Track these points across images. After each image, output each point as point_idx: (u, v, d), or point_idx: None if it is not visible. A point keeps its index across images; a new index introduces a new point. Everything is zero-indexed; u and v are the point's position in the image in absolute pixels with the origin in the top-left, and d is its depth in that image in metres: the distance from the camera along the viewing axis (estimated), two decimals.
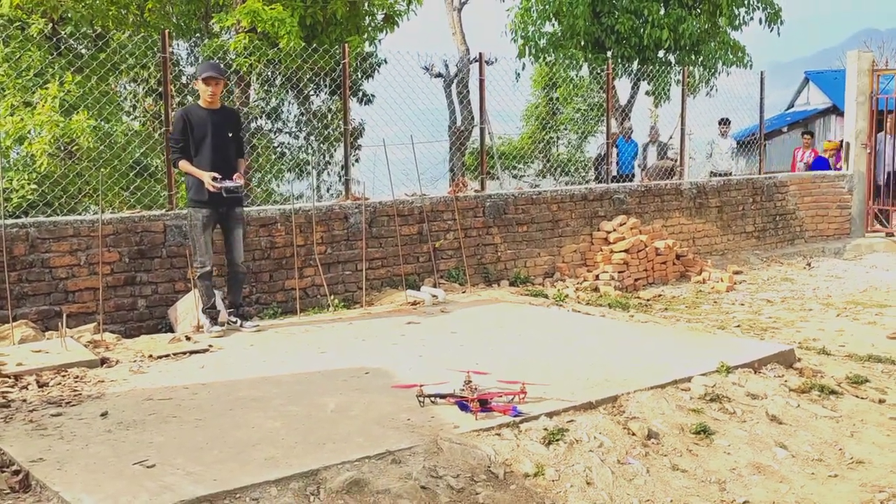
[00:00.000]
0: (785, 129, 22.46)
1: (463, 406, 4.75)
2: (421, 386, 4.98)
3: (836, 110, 21.55)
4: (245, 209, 7.39)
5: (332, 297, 8.17)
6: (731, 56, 15.89)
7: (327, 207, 8.54)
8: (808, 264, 11.81)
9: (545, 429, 4.52)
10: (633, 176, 13.28)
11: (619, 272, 9.98)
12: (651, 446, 4.57)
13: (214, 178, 6.68)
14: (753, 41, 17.57)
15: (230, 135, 6.97)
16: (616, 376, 5.42)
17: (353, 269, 8.58)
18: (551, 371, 5.58)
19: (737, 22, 15.95)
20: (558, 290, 9.33)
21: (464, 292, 8.80)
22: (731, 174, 13.71)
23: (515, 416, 4.65)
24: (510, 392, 4.92)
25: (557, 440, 4.43)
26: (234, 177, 6.87)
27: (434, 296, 8.12)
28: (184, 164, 6.82)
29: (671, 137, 13.87)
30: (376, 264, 8.78)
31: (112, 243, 7.27)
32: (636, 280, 10.12)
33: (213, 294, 6.96)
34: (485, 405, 4.73)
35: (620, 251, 10.11)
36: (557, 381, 5.30)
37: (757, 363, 5.79)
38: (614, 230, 10.40)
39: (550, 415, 4.70)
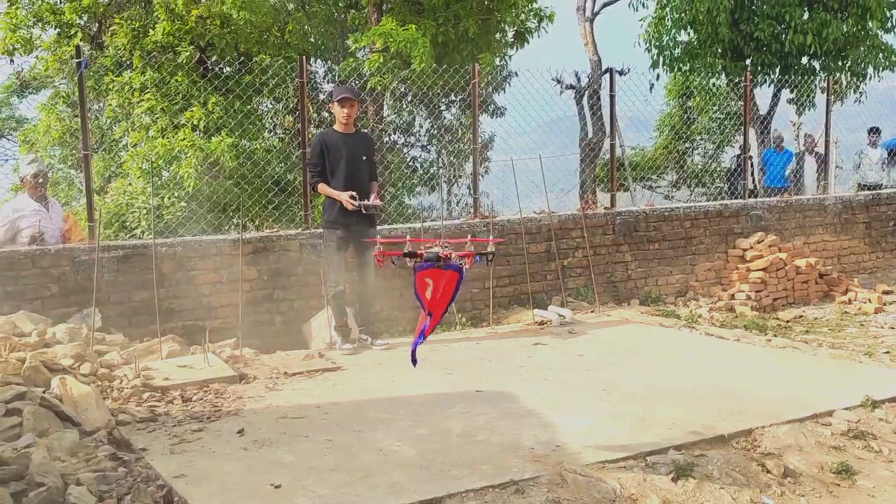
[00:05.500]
0: None
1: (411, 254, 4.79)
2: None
3: None
4: (376, 229, 7.57)
5: (460, 315, 8.24)
6: (882, 60, 14.99)
7: (455, 226, 8.62)
8: None
9: (674, 462, 4.40)
10: (788, 189, 12.72)
11: (757, 291, 9.58)
12: (787, 485, 4.37)
13: (353, 197, 6.89)
14: None
15: (364, 158, 7.18)
16: (750, 408, 5.22)
17: (481, 287, 8.63)
18: (682, 400, 5.42)
19: (889, 24, 15.04)
20: (691, 310, 9.06)
21: (592, 311, 8.69)
22: (881, 186, 12.93)
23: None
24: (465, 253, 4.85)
25: (687, 475, 4.30)
26: (372, 197, 7.07)
27: (561, 315, 8.06)
28: (322, 187, 7.07)
29: (816, 145, 13.24)
30: (504, 282, 8.79)
31: (251, 261, 7.61)
32: (775, 300, 9.69)
33: (346, 312, 7.17)
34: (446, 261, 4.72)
35: (758, 269, 9.71)
36: (688, 411, 5.15)
37: None
38: (751, 247, 10.01)
39: (679, 448, 4.58)
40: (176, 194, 10.09)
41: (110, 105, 11.06)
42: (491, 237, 4.93)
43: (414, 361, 4.85)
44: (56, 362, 5.54)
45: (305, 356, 6.76)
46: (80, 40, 11.07)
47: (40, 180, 7.38)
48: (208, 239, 7.61)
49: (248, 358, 6.64)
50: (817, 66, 15.09)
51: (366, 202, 6.96)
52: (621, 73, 11.13)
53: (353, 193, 6.92)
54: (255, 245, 7.65)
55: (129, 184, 10.56)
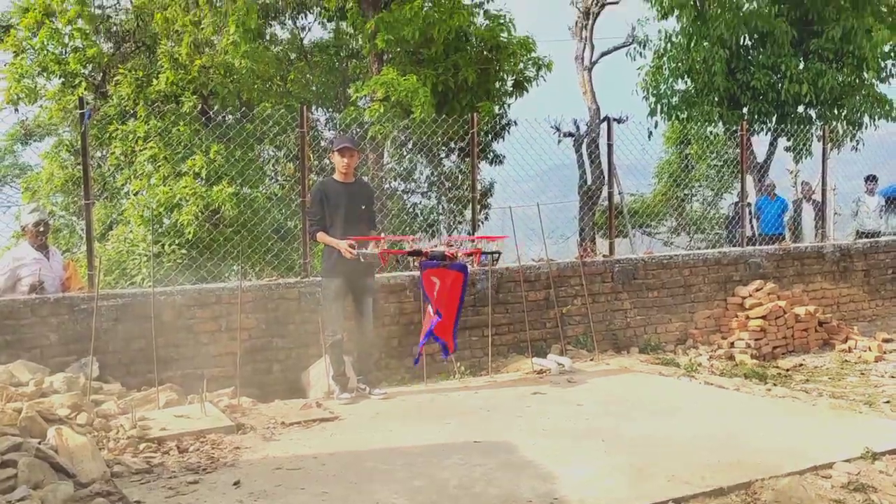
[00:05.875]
0: None
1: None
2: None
3: None
4: (375, 278, 7.59)
5: (459, 363, 8.22)
6: (878, 109, 15.14)
7: None
8: None
9: None
10: (783, 237, 12.77)
11: (756, 339, 9.57)
12: None
13: (351, 246, 6.91)
14: None
15: (363, 207, 7.22)
16: (749, 459, 5.19)
17: (480, 335, 8.63)
18: (681, 450, 5.39)
19: (884, 74, 15.24)
20: (690, 358, 9.04)
21: (591, 360, 8.67)
22: (879, 234, 12.98)
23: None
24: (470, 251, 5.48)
25: None
26: (370, 246, 7.09)
27: (560, 364, 8.04)
28: (321, 236, 7.11)
29: (813, 192, 13.33)
30: (503, 330, 8.79)
31: (250, 310, 7.62)
32: (774, 348, 9.67)
33: (343, 362, 7.16)
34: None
35: (757, 317, 9.71)
36: (686, 463, 5.11)
37: None
38: (750, 295, 10.02)
39: (678, 501, 4.54)
40: (176, 241, 10.14)
41: (113, 153, 11.18)
42: (495, 241, 5.19)
43: (416, 360, 5.40)
44: (52, 412, 5.52)
45: (303, 406, 6.73)
46: (85, 90, 11.22)
47: (41, 229, 7.42)
48: (207, 287, 7.63)
49: (245, 407, 6.61)
50: (814, 115, 15.25)
51: (364, 251, 6.98)
52: (619, 121, 11.26)
53: (352, 242, 6.95)
54: (254, 294, 7.67)
55: (130, 231, 10.63)
